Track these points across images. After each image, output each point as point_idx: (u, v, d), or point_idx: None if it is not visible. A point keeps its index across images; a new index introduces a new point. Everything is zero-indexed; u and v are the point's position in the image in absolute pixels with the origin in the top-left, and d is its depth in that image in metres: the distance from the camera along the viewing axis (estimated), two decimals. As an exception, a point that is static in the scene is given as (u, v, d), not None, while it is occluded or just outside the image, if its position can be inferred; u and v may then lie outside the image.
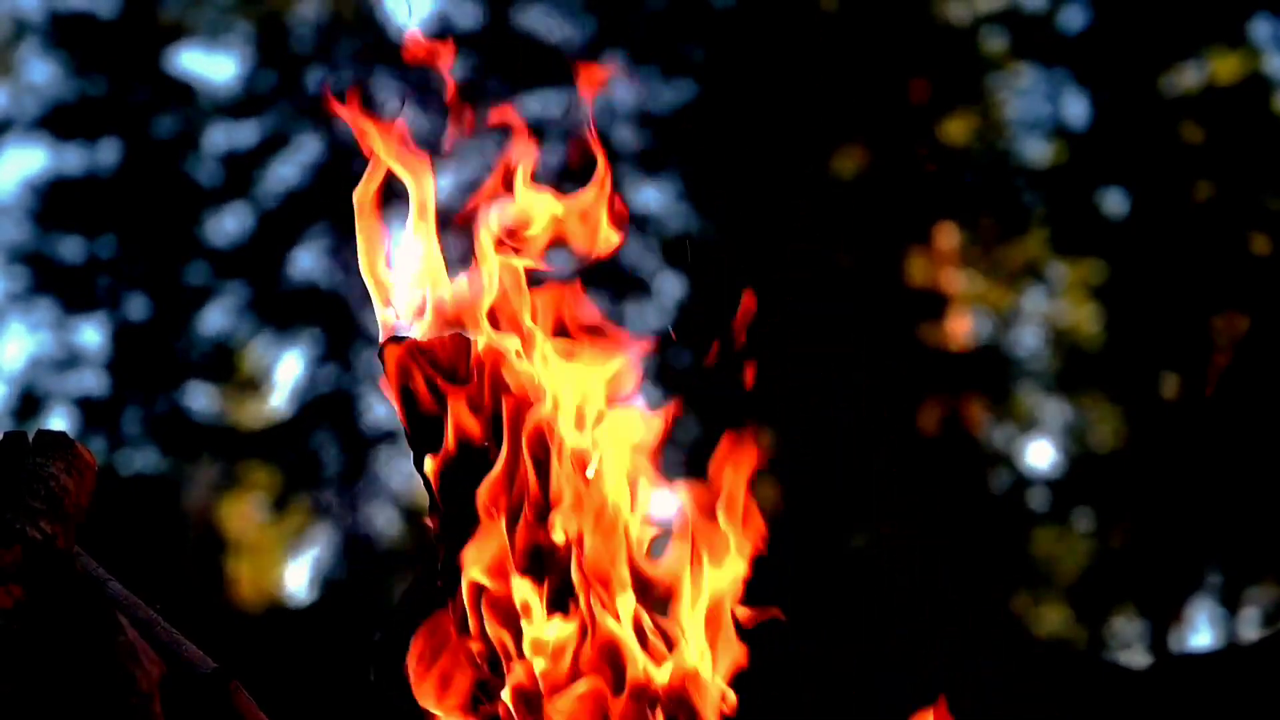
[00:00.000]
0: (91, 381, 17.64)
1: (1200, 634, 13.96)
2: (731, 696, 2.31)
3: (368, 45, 17.51)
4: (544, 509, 2.24)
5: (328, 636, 14.93)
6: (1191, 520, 12.51)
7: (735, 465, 2.45)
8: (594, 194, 2.40)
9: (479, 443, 2.26)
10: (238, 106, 17.76)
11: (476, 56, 16.47)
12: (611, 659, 2.18)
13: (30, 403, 17.32)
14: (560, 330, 2.38)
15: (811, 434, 14.06)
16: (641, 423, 2.40)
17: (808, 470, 13.80)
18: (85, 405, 17.38)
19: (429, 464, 2.26)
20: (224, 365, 17.83)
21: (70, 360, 17.67)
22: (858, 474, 14.03)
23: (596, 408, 2.35)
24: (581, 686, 2.16)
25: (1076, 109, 14.74)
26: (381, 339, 2.34)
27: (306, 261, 17.54)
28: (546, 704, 2.14)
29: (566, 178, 2.46)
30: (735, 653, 2.36)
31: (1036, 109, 14.85)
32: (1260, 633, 14.36)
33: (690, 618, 2.32)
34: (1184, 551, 12.92)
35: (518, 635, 2.18)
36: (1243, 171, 13.21)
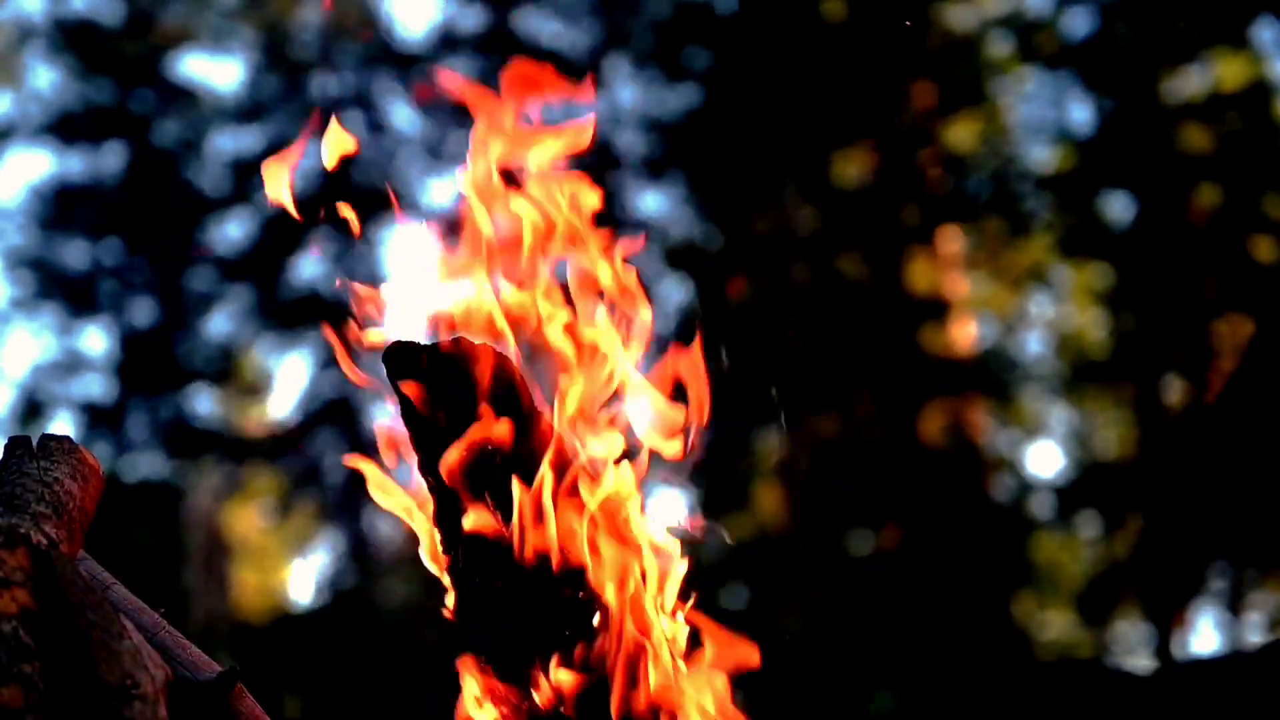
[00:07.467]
0: (96, 386, 17.66)
1: (1204, 638, 13.96)
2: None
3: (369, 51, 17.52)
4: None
5: (332, 640, 14.93)
6: (1196, 525, 12.49)
7: None
8: None
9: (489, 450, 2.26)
10: (241, 112, 17.78)
11: (479, 61, 16.47)
12: None
13: (34, 407, 17.34)
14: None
15: (816, 439, 14.05)
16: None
17: (812, 476, 13.79)
18: (90, 410, 17.40)
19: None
20: (227, 370, 17.86)
21: (74, 365, 17.69)
22: (861, 480, 14.02)
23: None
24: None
25: (1081, 114, 14.75)
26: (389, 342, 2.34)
27: (310, 267, 17.57)
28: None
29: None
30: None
31: (1041, 114, 14.85)
32: (1265, 637, 14.35)
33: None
34: (1188, 556, 12.91)
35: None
36: (1247, 177, 13.20)
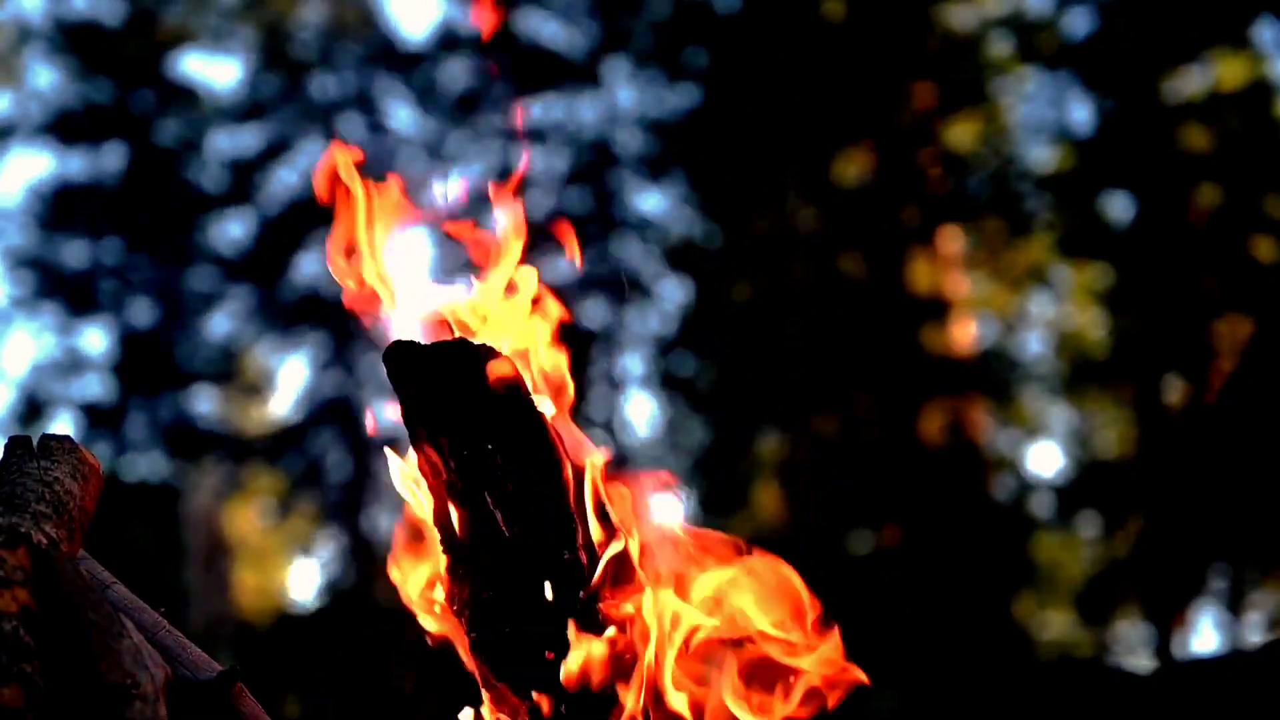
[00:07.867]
0: (96, 386, 17.66)
1: (1204, 638, 13.96)
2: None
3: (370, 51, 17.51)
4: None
5: (332, 640, 14.92)
6: (1196, 525, 12.49)
7: None
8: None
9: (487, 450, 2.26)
10: (241, 112, 17.79)
11: (482, 62, 16.47)
12: None
13: (34, 407, 17.34)
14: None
15: (816, 439, 14.04)
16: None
17: (812, 476, 13.79)
18: (90, 410, 17.40)
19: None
20: (228, 370, 17.86)
21: (75, 365, 17.69)
22: (861, 480, 14.02)
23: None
24: None
25: (1081, 114, 14.75)
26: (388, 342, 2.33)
27: (310, 266, 17.57)
28: None
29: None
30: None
31: (1041, 114, 14.84)
32: (1265, 637, 14.35)
33: None
34: (1188, 556, 12.91)
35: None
36: (1247, 177, 13.19)
